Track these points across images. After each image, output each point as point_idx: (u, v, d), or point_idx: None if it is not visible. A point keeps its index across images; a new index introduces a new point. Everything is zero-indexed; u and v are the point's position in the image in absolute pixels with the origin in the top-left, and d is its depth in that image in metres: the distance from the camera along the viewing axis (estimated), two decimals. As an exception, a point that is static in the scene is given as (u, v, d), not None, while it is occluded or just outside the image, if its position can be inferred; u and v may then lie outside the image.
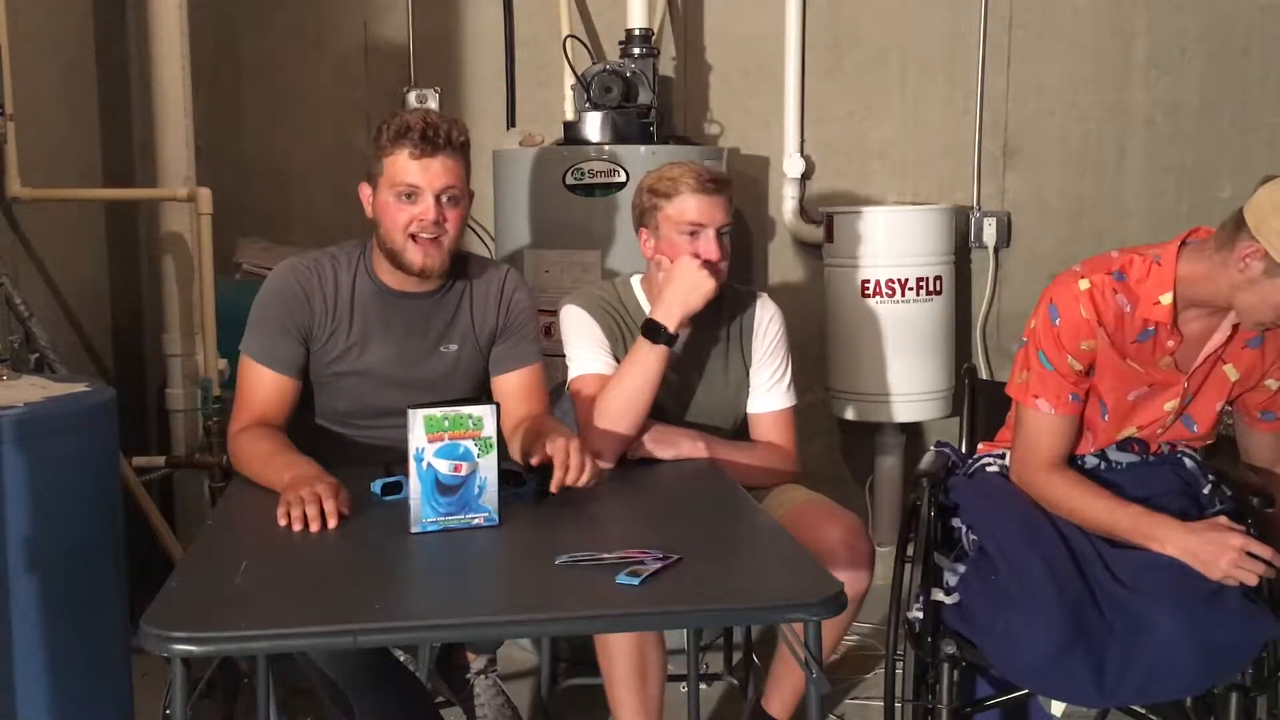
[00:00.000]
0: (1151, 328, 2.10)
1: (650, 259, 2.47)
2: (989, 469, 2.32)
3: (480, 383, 2.36)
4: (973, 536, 2.18)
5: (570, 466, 1.95)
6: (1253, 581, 1.97)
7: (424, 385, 2.25)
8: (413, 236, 2.17)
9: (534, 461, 2.01)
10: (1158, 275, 2.07)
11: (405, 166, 2.14)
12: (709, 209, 2.38)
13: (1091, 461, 2.23)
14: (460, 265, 2.32)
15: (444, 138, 2.14)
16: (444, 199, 2.16)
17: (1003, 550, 2.08)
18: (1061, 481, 2.16)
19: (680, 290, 2.34)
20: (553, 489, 1.95)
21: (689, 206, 2.37)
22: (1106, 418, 2.19)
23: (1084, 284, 2.10)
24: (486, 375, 2.36)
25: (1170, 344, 2.11)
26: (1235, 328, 2.11)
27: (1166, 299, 2.06)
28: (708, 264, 2.35)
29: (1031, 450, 2.18)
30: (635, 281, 2.55)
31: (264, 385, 2.22)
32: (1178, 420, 2.20)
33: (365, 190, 2.24)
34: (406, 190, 2.15)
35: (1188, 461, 2.23)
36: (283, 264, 2.30)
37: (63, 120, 3.34)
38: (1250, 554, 1.96)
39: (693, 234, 2.38)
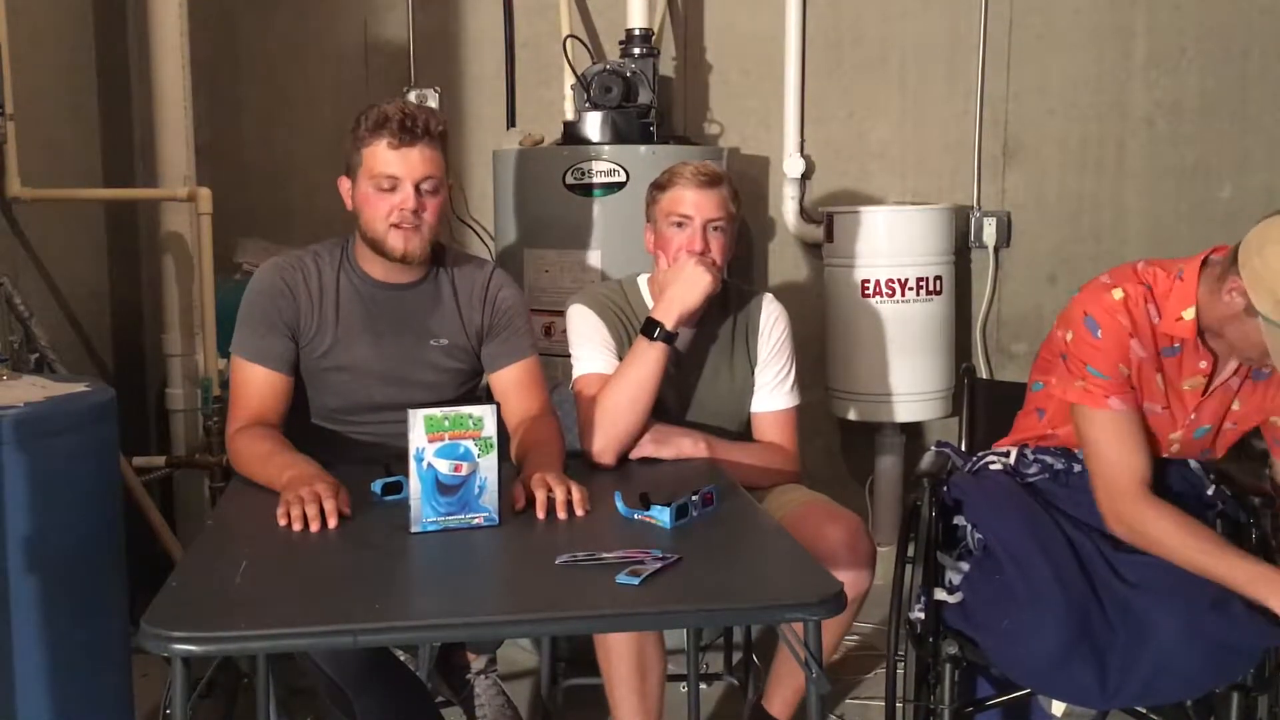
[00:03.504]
0: (1177, 344, 2.09)
1: (651, 252, 2.49)
2: (993, 467, 2.31)
3: (471, 379, 2.36)
4: (977, 535, 2.17)
5: (556, 498, 1.90)
6: None
7: (414, 380, 2.26)
8: (394, 225, 2.18)
9: (518, 506, 1.92)
10: (1180, 290, 2.06)
11: (384, 157, 2.16)
12: (699, 201, 2.39)
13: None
14: (439, 256, 2.33)
15: (422, 127, 2.16)
16: (423, 188, 2.18)
17: (1008, 549, 2.08)
18: (1163, 518, 2.02)
19: (679, 288, 2.34)
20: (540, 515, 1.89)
21: (679, 197, 2.41)
22: None
23: (1118, 293, 2.08)
24: (478, 371, 2.36)
25: (1203, 365, 2.09)
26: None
27: (1189, 314, 2.04)
28: (706, 261, 2.35)
29: (1117, 466, 2.06)
30: (642, 281, 2.56)
31: (257, 383, 2.21)
32: (1182, 445, 2.19)
33: (345, 183, 2.25)
34: (386, 181, 2.16)
35: (1191, 462, 2.23)
36: (266, 263, 2.31)
37: (63, 120, 3.33)
38: None
39: (680, 225, 2.40)
